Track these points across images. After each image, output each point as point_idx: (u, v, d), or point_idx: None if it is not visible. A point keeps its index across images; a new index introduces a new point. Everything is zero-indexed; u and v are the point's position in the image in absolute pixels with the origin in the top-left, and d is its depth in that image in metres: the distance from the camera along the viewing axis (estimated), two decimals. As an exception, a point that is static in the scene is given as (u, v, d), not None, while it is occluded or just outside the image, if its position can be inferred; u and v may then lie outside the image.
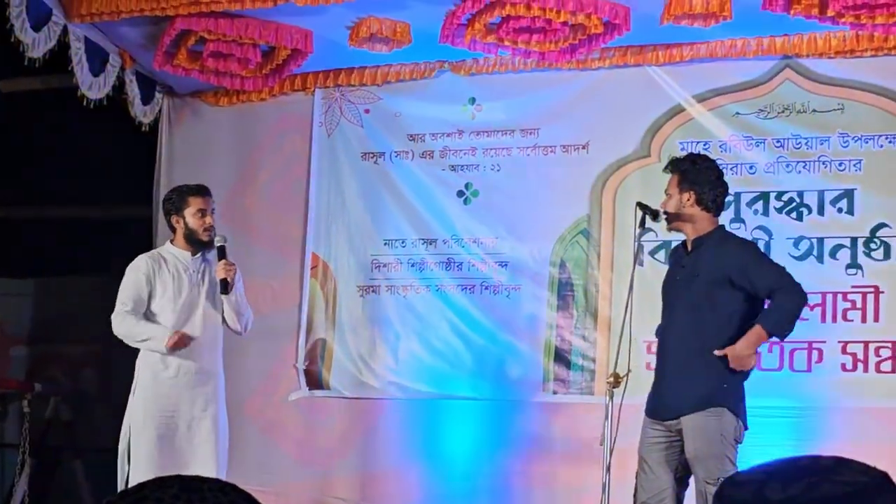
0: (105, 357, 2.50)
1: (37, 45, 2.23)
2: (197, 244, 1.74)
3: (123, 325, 1.72)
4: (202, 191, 1.76)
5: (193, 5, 2.11)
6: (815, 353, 2.12)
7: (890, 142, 2.16)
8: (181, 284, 1.74)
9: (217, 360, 1.76)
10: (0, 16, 2.14)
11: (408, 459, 2.18)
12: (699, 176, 1.65)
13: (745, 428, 1.55)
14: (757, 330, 1.54)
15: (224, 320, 1.76)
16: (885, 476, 0.26)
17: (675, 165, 1.70)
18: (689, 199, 1.64)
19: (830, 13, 1.97)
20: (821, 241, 2.16)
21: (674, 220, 1.66)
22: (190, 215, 1.72)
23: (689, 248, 1.66)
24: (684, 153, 1.98)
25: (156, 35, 2.32)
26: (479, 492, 2.17)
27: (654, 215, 1.66)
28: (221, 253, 1.71)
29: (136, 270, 1.74)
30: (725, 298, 1.60)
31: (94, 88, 2.35)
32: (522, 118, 2.31)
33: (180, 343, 1.64)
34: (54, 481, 2.31)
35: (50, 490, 2.33)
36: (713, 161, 1.75)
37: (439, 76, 2.30)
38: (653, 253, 2.16)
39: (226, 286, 1.67)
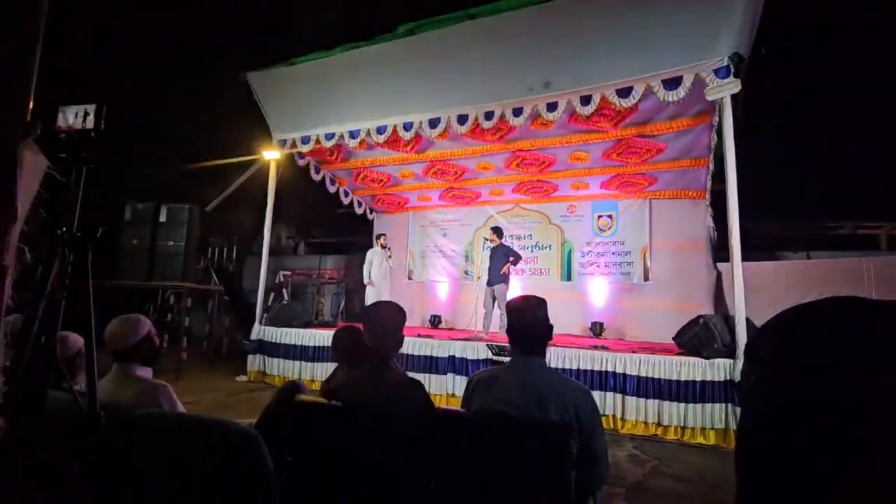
0: (359, 274, 10.70)
1: (346, 201, 10.21)
2: (382, 248, 9.44)
3: None
4: (383, 234, 9.46)
5: (383, 192, 9.98)
6: (522, 271, 9.51)
7: (539, 222, 9.61)
8: (381, 261, 9.43)
9: None
10: (336, 193, 10.15)
11: (431, 295, 10.00)
12: (499, 231, 8.60)
13: None
14: (509, 263, 8.77)
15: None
16: (542, 299, 2.87)
17: (493, 229, 8.87)
18: (495, 236, 8.79)
19: (528, 193, 9.45)
20: (524, 246, 9.58)
21: (493, 241, 8.82)
22: (382, 239, 9.39)
23: (496, 246, 8.66)
24: (495, 225, 9.36)
25: (372, 199, 10.23)
26: (448, 301, 9.90)
27: (487, 240, 8.67)
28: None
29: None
30: (505, 257, 8.88)
31: (359, 210, 10.25)
32: (457, 217, 10.03)
33: None
34: (349, 302, 10.51)
35: (348, 304, 10.49)
36: (500, 228, 9.07)
37: (438, 209, 10.17)
38: (485, 249, 9.55)
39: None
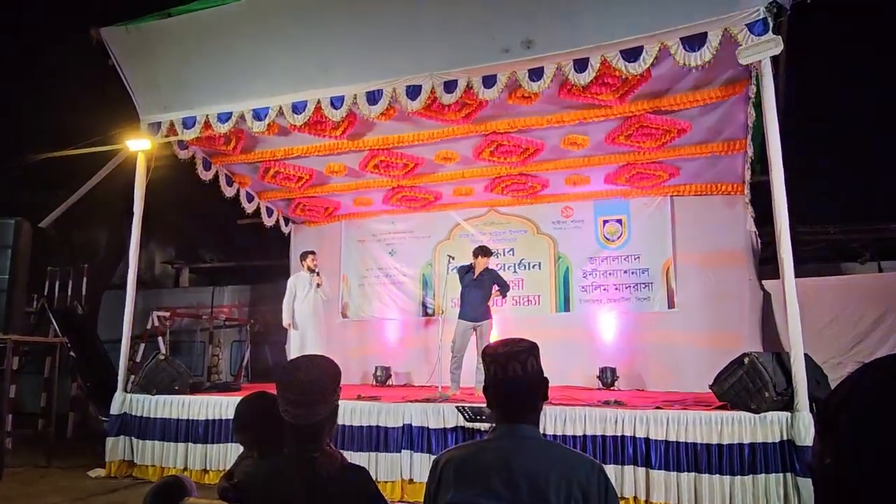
0: (273, 311, 10.52)
1: (249, 208, 10.09)
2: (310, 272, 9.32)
3: None
4: (311, 252, 9.33)
5: (303, 195, 9.91)
6: (504, 301, 9.60)
7: (524, 231, 9.74)
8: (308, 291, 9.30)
9: None
10: (236, 198, 10.01)
11: (374, 337, 9.97)
12: (487, 252, 8.63)
13: None
14: (496, 294, 8.43)
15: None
16: (532, 343, 3.49)
17: (480, 250, 8.79)
18: (485, 260, 8.63)
19: (506, 192, 9.57)
20: (503, 264, 9.70)
21: (475, 267, 8.78)
22: (309, 260, 9.28)
23: (479, 271, 8.57)
24: (465, 237, 9.45)
25: (288, 204, 10.17)
26: (399, 348, 9.87)
27: (452, 258, 8.71)
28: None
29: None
30: (491, 286, 8.79)
31: (268, 222, 10.18)
32: (409, 227, 10.09)
33: None
34: (258, 353, 10.34)
35: (256, 356, 10.30)
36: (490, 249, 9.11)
37: (382, 216, 10.18)
38: (451, 271, 9.61)
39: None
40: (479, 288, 7.53)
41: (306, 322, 7.84)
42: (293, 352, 7.72)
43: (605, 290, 9.20)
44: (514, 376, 1.81)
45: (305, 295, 7.93)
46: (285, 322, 7.87)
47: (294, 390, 1.88)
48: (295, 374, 1.92)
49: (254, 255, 13.03)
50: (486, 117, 7.32)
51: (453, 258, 8.15)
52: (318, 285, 7.91)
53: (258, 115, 6.84)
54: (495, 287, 7.62)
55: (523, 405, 1.84)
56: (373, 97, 6.35)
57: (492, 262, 9.35)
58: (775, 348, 7.30)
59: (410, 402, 6.07)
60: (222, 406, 6.51)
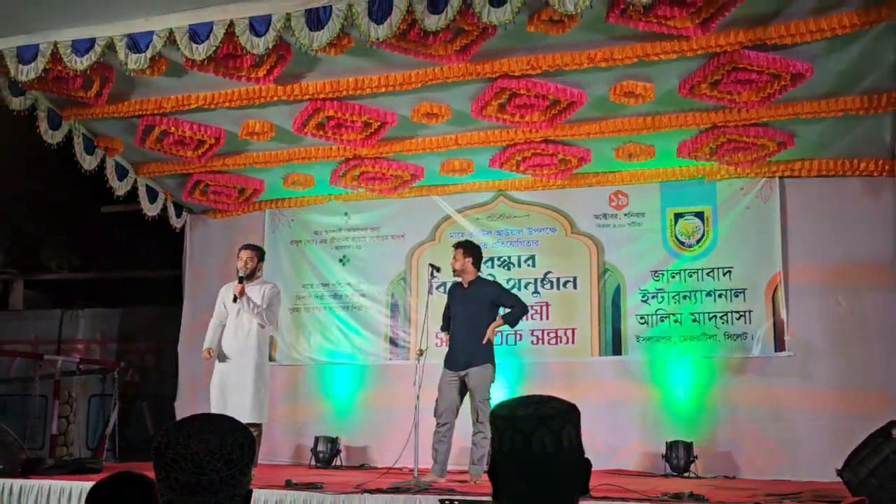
0: (156, 351, 10.47)
1: (121, 188, 10.08)
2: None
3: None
4: (247, 246, 9.07)
5: (205, 169, 9.91)
6: (517, 335, 9.59)
7: (551, 230, 9.76)
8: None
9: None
10: (100, 172, 10.00)
11: (312, 396, 9.95)
12: (474, 250, 8.78)
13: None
14: (499, 322, 8.55)
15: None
16: (571, 405, 1.80)
17: (461, 244, 8.86)
18: (469, 261, 8.75)
19: (523, 168, 9.56)
20: (519, 280, 9.73)
21: (458, 272, 8.82)
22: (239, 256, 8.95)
23: (466, 285, 8.78)
24: (462, 238, 9.46)
25: (183, 183, 10.18)
26: (353, 410, 9.87)
27: (437, 269, 8.79)
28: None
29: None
30: (490, 310, 8.85)
31: (150, 210, 10.19)
32: (372, 222, 10.16)
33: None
34: (132, 414, 10.27)
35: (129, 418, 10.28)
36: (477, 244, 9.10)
37: (329, 202, 10.22)
38: (438, 288, 9.62)
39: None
40: (468, 312, 7.73)
41: (229, 361, 7.66)
42: (213, 409, 7.52)
43: (676, 322, 9.27)
44: (543, 453, 1.82)
45: (237, 316, 7.76)
46: (204, 347, 7.79)
47: (183, 469, 1.89)
48: (185, 442, 1.93)
49: (126, 261, 12.96)
50: (494, 52, 7.33)
51: (439, 270, 8.14)
52: (237, 296, 7.66)
53: (136, 43, 6.83)
54: (506, 309, 7.78)
55: (555, 499, 1.86)
56: (316, 17, 6.36)
57: (503, 277, 9.49)
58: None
59: (369, 492, 6.07)
60: (72, 496, 6.48)
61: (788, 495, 6.16)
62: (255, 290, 7.78)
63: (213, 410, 7.38)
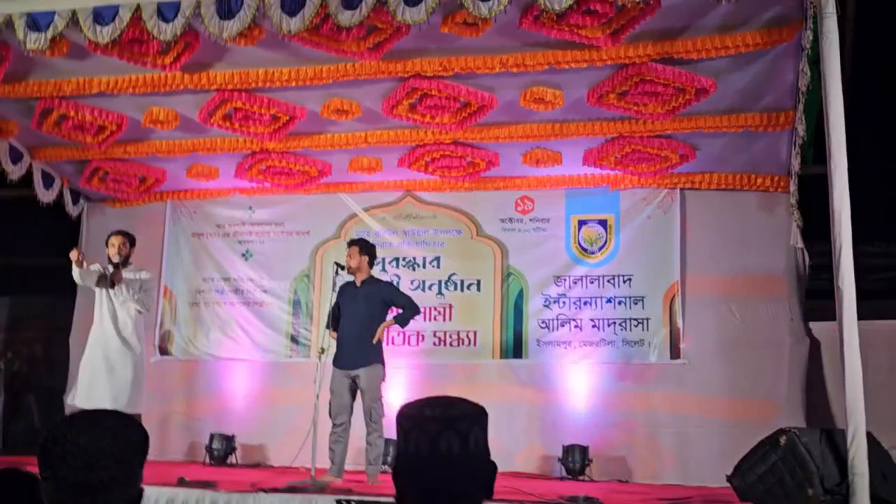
0: (46, 341, 10.12)
1: (14, 172, 9.74)
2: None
3: None
4: (117, 232, 8.89)
5: (105, 156, 9.65)
6: (419, 336, 9.57)
7: (457, 232, 9.79)
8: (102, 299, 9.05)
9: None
10: None
11: (208, 392, 9.75)
12: (369, 248, 8.71)
13: None
14: (390, 322, 8.51)
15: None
16: (480, 408, 1.83)
17: (356, 242, 8.81)
18: (364, 259, 8.69)
19: (432, 169, 9.55)
20: (423, 281, 9.72)
21: (353, 270, 8.76)
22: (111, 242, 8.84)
23: (359, 284, 8.74)
24: (359, 237, 9.38)
25: (81, 170, 9.89)
26: (251, 407, 9.71)
27: (342, 268, 8.68)
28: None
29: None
30: (382, 310, 8.82)
31: (45, 197, 9.88)
32: (276, 217, 10.04)
33: None
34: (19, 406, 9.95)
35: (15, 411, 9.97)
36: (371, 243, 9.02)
37: (234, 196, 10.05)
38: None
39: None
40: (360, 311, 7.72)
41: (96, 352, 7.57)
42: (79, 402, 7.43)
43: (577, 327, 9.39)
44: (449, 456, 1.81)
45: (108, 301, 7.71)
46: None
47: (71, 466, 1.85)
48: (72, 439, 1.89)
49: (17, 248, 12.52)
50: (407, 51, 7.32)
51: (344, 268, 8.08)
52: (114, 282, 7.62)
53: (36, 22, 6.62)
54: (397, 310, 7.86)
55: (459, 501, 1.84)
56: (227, 6, 6.28)
57: (407, 279, 9.47)
58: (825, 424, 7.57)
59: (265, 491, 6.04)
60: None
61: (680, 500, 6.27)
62: (129, 276, 7.94)
63: (80, 396, 7.53)
